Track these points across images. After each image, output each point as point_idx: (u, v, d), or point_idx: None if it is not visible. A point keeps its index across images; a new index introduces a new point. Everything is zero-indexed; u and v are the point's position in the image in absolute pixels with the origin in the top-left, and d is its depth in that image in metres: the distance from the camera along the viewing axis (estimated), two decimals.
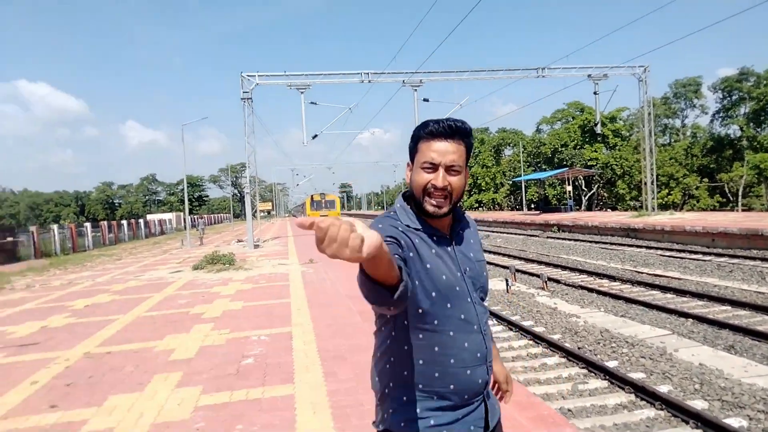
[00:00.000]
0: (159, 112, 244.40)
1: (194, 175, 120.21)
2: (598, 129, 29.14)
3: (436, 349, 1.49)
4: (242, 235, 33.69)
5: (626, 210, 42.92)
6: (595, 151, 49.66)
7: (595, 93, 25.32)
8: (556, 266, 15.94)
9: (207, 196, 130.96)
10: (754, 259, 14.52)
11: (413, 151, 1.57)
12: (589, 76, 25.22)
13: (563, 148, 50.57)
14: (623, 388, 6.05)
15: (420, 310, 1.47)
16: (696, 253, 16.55)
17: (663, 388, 5.93)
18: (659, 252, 17.62)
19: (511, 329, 8.89)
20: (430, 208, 1.51)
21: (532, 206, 53.04)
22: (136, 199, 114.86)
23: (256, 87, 24.19)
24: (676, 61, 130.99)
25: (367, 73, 24.40)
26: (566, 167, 44.37)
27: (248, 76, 23.95)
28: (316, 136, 26.62)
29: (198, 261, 15.96)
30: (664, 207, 35.46)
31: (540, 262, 16.94)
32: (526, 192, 48.33)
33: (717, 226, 18.13)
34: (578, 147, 51.02)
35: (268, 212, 63.45)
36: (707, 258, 15.37)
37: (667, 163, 43.89)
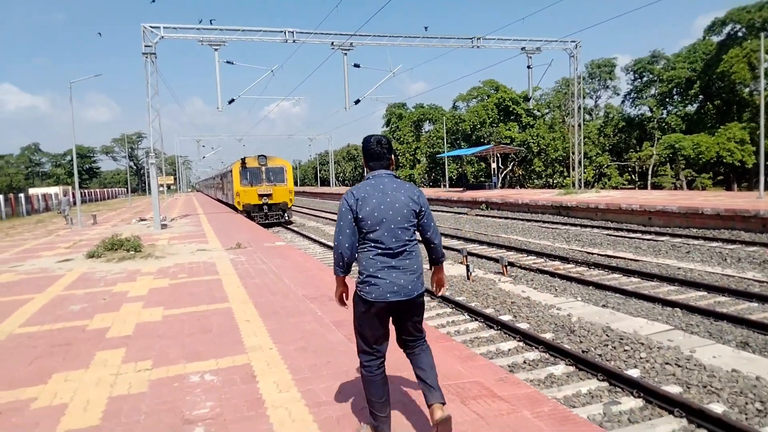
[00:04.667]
0: (40, 75, 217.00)
1: (84, 145, 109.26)
2: (531, 103, 28.84)
3: None
4: (144, 212, 30.11)
5: (541, 188, 43.78)
6: (509, 129, 50.15)
7: (528, 67, 24.72)
8: (500, 246, 14.98)
9: (99, 168, 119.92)
10: (701, 238, 14.38)
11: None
12: (523, 48, 24.51)
13: (481, 126, 50.62)
14: (672, 412, 4.85)
15: None
16: (635, 231, 16.31)
17: (717, 408, 4.82)
18: (597, 230, 17.29)
19: (492, 327, 7.59)
20: None
21: (452, 183, 52.90)
22: (17, 171, 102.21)
23: (160, 41, 20.97)
24: (595, 43, 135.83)
25: (292, 32, 21.87)
26: (484, 144, 44.26)
27: (152, 27, 20.63)
28: (233, 100, 23.85)
29: (93, 246, 13.17)
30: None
31: (481, 242, 15.96)
32: (446, 169, 47.88)
33: (654, 204, 18.07)
34: (494, 125, 51.32)
35: (169, 186, 58.59)
36: (660, 238, 15.03)
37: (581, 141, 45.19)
